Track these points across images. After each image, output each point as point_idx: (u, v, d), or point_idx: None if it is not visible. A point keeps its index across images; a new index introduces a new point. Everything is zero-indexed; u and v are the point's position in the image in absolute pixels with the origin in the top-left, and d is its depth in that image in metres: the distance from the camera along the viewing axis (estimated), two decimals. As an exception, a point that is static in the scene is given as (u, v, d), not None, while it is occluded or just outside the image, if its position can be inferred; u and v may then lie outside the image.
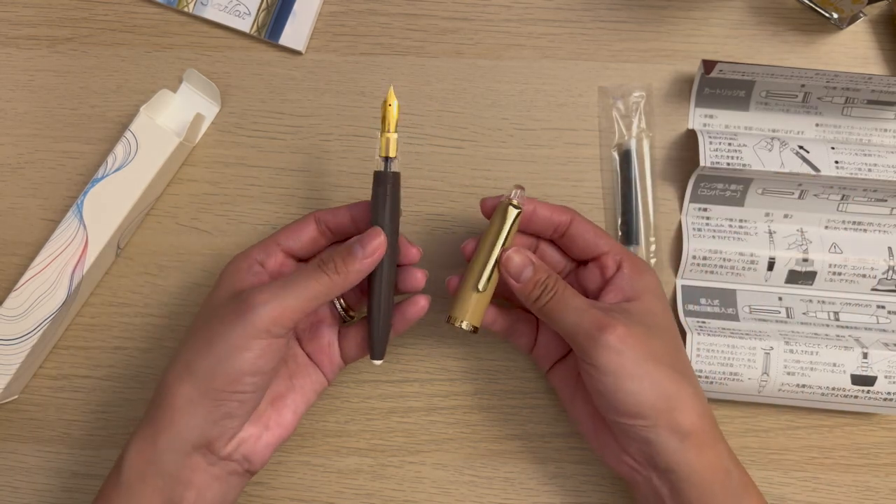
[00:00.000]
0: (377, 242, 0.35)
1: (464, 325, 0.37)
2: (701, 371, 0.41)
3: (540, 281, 0.36)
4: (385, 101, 0.36)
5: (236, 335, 0.33)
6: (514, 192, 0.37)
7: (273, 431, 0.37)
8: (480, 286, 0.37)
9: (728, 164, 0.42)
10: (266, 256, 0.37)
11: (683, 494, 0.35)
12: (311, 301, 0.34)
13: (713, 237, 0.44)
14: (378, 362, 0.38)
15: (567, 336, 0.35)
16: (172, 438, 0.34)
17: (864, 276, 0.43)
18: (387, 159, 0.36)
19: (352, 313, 0.40)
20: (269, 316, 0.33)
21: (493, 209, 0.38)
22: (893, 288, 0.44)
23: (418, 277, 0.38)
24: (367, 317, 0.38)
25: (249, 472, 0.37)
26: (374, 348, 0.38)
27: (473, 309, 0.37)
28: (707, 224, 0.44)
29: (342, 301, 0.40)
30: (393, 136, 0.36)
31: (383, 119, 0.36)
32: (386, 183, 0.36)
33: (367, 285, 0.37)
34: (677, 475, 0.34)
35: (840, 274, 0.43)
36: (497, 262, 0.37)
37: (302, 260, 0.39)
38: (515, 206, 0.37)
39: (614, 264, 0.38)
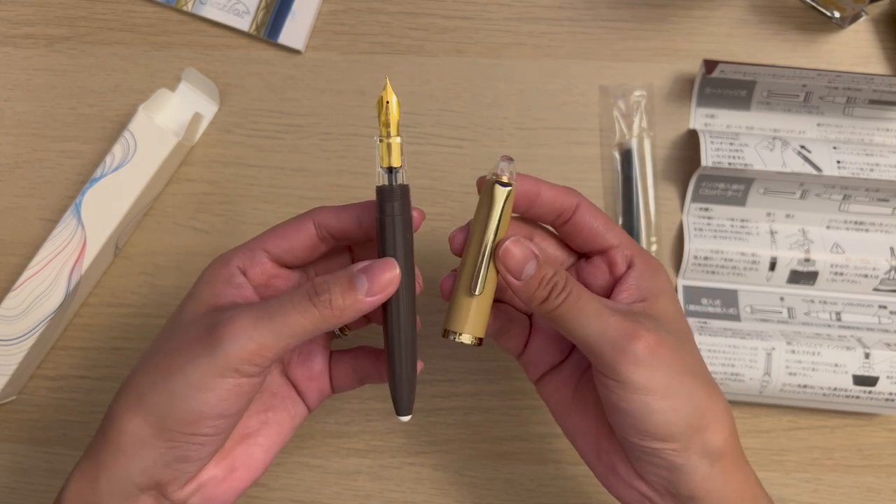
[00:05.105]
0: (388, 278, 0.29)
1: (463, 339, 0.31)
2: (702, 372, 0.41)
3: (546, 278, 0.30)
4: (381, 99, 0.30)
5: (199, 372, 0.27)
6: (500, 164, 0.31)
7: (240, 474, 0.31)
8: (476, 289, 0.30)
9: (729, 163, 0.41)
10: (249, 264, 0.31)
11: None
12: (293, 339, 0.28)
13: (714, 237, 0.43)
14: (405, 419, 0.32)
15: (585, 346, 0.30)
16: (116, 480, 0.28)
17: (865, 276, 0.43)
18: (390, 170, 0.30)
19: (346, 332, 0.35)
20: (240, 354, 0.27)
21: None
22: (895, 288, 0.43)
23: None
24: (388, 365, 0.31)
25: None
26: (401, 404, 0.31)
27: (473, 316, 0.31)
28: (708, 224, 0.44)
29: None
30: (395, 142, 0.30)
31: (381, 121, 0.30)
32: (393, 201, 0.30)
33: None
34: (703, 503, 0.30)
35: (842, 274, 0.43)
36: (490, 256, 0.30)
37: (297, 268, 0.33)
38: (503, 184, 0.30)
39: (624, 261, 0.32)
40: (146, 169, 0.42)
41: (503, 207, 0.30)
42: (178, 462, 0.29)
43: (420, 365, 0.32)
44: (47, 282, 0.41)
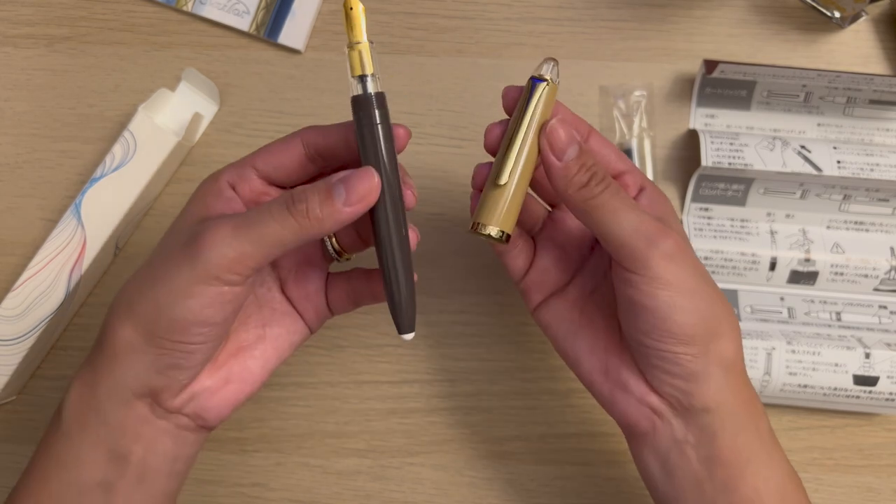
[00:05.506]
0: (366, 187, 0.28)
1: (490, 231, 0.30)
2: (702, 372, 0.41)
3: (587, 165, 0.30)
4: (345, 4, 0.29)
5: (181, 279, 0.28)
6: (543, 65, 0.31)
7: (234, 386, 0.31)
8: (501, 179, 0.30)
9: (730, 163, 0.42)
10: (238, 180, 0.31)
11: (715, 442, 0.30)
12: (273, 248, 0.28)
13: (715, 237, 0.43)
14: (408, 337, 0.31)
15: (617, 240, 0.29)
16: (113, 386, 0.29)
17: (866, 276, 0.43)
18: (363, 78, 0.29)
19: (346, 256, 0.34)
20: (220, 262, 0.27)
21: (517, 101, 0.31)
22: (895, 288, 0.43)
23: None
24: (384, 281, 0.30)
25: (205, 429, 0.32)
26: (401, 321, 0.31)
27: (503, 210, 0.30)
28: (709, 224, 0.44)
29: (334, 241, 0.33)
30: (365, 46, 0.29)
31: (348, 26, 0.29)
32: (370, 108, 0.29)
33: (363, 226, 0.31)
34: (714, 416, 0.30)
35: (842, 274, 0.43)
36: (520, 147, 0.30)
37: (287, 188, 0.32)
38: (539, 79, 0.30)
39: (635, 185, 0.33)
40: (146, 169, 0.42)
41: (538, 101, 0.30)
42: (169, 369, 0.29)
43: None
44: (47, 282, 0.41)
